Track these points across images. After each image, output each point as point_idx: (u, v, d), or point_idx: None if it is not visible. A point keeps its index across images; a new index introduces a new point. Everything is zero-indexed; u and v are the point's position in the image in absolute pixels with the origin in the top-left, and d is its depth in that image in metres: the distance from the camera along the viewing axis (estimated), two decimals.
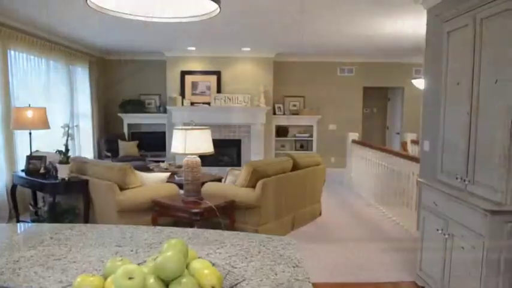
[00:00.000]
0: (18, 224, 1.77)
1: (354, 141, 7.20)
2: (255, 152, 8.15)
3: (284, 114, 8.65)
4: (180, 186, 4.41)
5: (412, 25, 5.15)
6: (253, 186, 4.08)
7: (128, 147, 7.78)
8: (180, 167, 6.12)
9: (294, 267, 1.29)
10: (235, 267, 1.27)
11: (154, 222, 3.75)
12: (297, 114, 8.66)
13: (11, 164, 5.09)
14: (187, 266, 0.98)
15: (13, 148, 5.16)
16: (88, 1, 1.06)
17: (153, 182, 4.20)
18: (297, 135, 8.72)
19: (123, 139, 8.11)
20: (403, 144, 7.43)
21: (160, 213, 3.80)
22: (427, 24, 4.01)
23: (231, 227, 3.83)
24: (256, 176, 4.06)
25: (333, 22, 5.35)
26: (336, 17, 5.04)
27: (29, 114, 4.44)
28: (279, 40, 6.79)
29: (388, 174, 5.55)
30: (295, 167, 4.70)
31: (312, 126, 8.66)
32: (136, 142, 8.02)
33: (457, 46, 2.85)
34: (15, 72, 5.26)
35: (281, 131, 8.68)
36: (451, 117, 2.91)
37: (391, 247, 4.12)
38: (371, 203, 6.08)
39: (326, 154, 8.66)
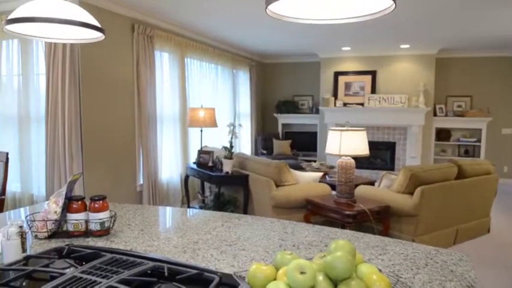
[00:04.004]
0: (191, 209, 2.02)
1: None
2: (412, 156, 7.63)
3: (446, 115, 7.87)
4: (332, 186, 4.42)
5: None
6: (411, 193, 3.83)
7: (281, 145, 8.15)
8: (331, 167, 6.13)
9: (468, 286, 1.16)
10: (401, 277, 1.21)
11: (307, 220, 3.84)
12: (462, 115, 7.78)
13: (185, 157, 5.86)
14: (355, 269, 0.97)
15: (187, 143, 5.94)
16: (267, 10, 1.13)
17: (306, 181, 4.30)
18: (461, 139, 7.84)
19: (277, 138, 8.54)
20: None
21: (312, 211, 3.87)
22: None
23: (385, 233, 3.66)
24: (414, 182, 3.80)
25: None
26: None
27: (201, 114, 5.02)
28: (443, 35, 6.20)
29: None
30: (460, 175, 4.23)
31: (479, 129, 7.67)
32: (289, 141, 8.34)
33: None
34: (190, 77, 6.03)
35: (442, 134, 7.92)
36: None
37: None
38: None
39: (497, 162, 7.62)
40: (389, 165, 7.92)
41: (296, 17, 1.17)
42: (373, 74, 7.92)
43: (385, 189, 4.15)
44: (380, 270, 1.02)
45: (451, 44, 7.00)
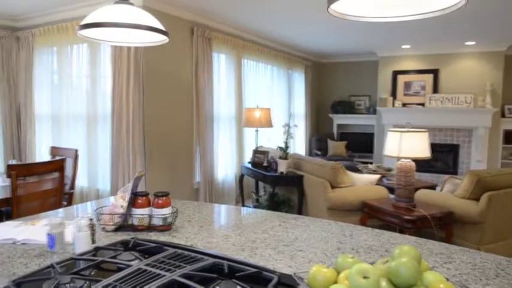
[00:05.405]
0: (247, 208, 2.05)
1: None
2: (477, 159, 7.18)
3: None
4: (390, 190, 4.27)
5: None
6: (477, 199, 3.60)
7: (336, 146, 8.01)
8: (389, 169, 5.93)
9: None
10: None
11: (363, 223, 3.75)
12: None
13: (240, 157, 5.95)
14: (420, 277, 0.93)
15: (242, 143, 6.03)
16: (329, 9, 1.12)
17: (362, 183, 4.20)
18: None
19: (332, 139, 8.40)
20: None
21: (369, 215, 3.77)
22: None
23: (448, 241, 3.48)
24: (481, 188, 3.57)
25: None
26: None
27: (257, 114, 5.06)
28: None
29: None
30: None
31: None
32: (345, 142, 8.17)
33: None
34: (246, 78, 6.11)
35: (511, 137, 7.37)
36: None
37: None
38: None
39: None
40: (451, 168, 7.51)
41: (359, 16, 1.15)
42: (435, 72, 7.55)
43: (447, 194, 3.94)
44: (447, 279, 0.98)
45: None
